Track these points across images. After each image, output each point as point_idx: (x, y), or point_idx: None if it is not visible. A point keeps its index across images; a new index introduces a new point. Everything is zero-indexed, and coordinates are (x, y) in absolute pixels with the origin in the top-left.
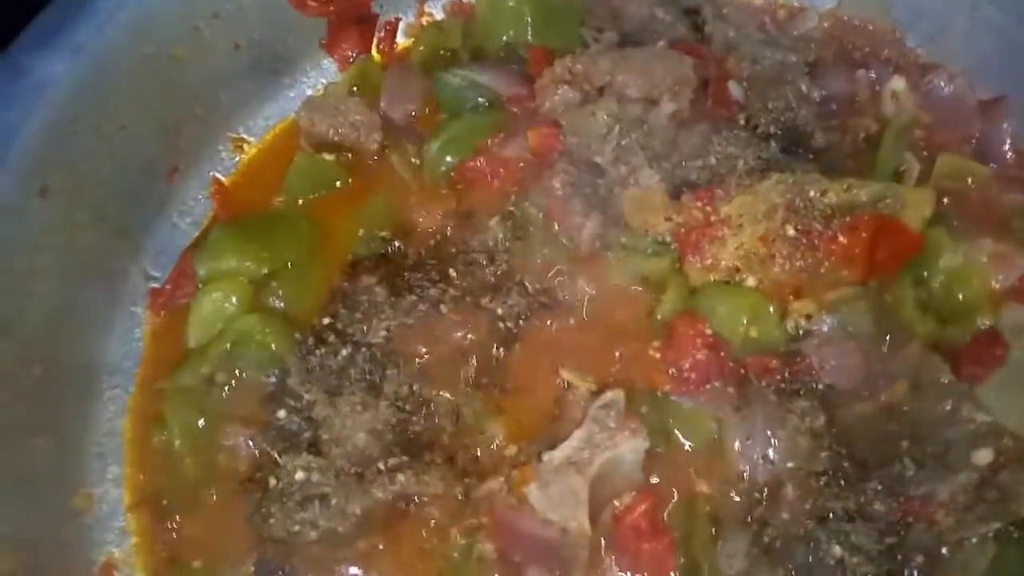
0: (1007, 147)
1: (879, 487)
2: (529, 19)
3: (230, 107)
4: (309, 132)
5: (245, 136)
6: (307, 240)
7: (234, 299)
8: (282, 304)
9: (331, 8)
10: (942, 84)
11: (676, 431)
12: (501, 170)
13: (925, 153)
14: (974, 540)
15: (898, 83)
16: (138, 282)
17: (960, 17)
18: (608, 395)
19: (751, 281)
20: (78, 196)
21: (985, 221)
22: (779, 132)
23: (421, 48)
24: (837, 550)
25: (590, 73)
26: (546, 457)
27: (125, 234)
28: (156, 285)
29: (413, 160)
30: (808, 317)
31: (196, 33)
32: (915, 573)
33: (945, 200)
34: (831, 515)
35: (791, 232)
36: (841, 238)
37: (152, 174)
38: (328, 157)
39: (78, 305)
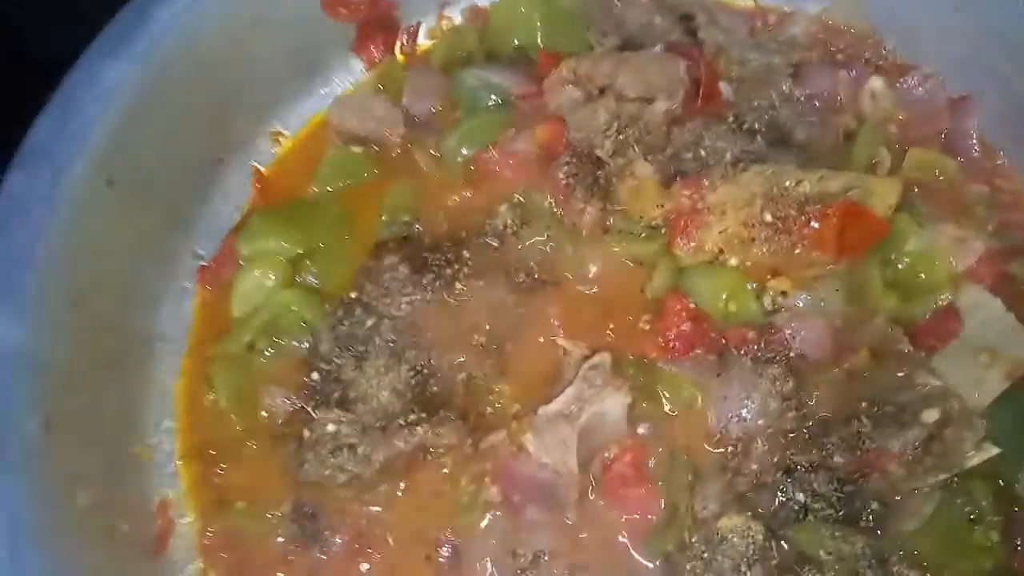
0: (973, 141)
1: (839, 442)
2: (539, 25)
3: (269, 105)
4: (338, 127)
5: (282, 130)
6: (337, 224)
7: (272, 276)
8: (315, 280)
9: (360, 15)
10: (916, 84)
11: (661, 392)
12: (511, 161)
13: (898, 147)
14: (923, 489)
15: (876, 83)
16: (188, 260)
17: (931, 23)
18: (596, 358)
19: (733, 262)
20: (139, 186)
21: (949, 209)
22: (763, 128)
23: (440, 50)
24: (801, 496)
25: (593, 75)
26: (541, 411)
27: (178, 218)
28: (204, 263)
29: (432, 152)
30: (783, 294)
31: (239, 42)
32: (870, 517)
33: (915, 189)
34: (797, 466)
35: (768, 218)
36: (814, 223)
37: (201, 165)
38: (356, 149)
39: (139, 281)
